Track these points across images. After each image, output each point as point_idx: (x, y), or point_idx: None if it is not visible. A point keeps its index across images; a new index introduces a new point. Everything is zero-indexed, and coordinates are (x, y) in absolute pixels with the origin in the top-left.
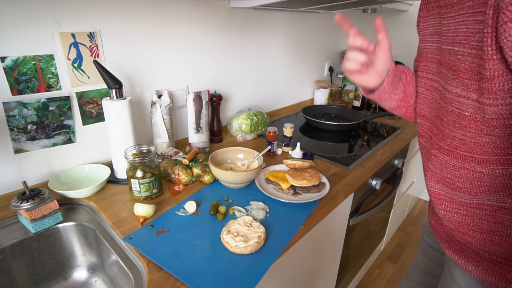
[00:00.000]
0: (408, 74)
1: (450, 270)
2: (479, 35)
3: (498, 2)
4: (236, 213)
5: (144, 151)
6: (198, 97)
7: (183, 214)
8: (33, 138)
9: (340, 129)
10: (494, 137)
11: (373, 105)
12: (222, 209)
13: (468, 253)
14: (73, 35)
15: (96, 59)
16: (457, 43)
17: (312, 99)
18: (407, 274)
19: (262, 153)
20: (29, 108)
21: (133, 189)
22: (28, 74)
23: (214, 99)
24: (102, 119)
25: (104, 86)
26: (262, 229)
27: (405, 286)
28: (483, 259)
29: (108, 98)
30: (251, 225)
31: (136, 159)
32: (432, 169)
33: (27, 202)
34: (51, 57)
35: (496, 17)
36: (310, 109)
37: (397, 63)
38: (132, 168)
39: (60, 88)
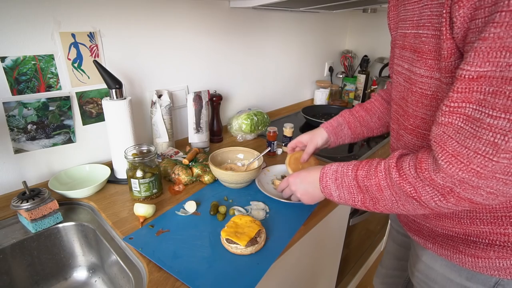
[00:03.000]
0: (344, 115)
1: (415, 249)
2: (441, 17)
3: None
4: (236, 213)
5: (144, 151)
6: (198, 97)
7: (183, 214)
8: (33, 138)
9: None
10: None
11: None
12: (222, 209)
13: (425, 231)
14: (73, 35)
15: (96, 59)
16: (421, 26)
17: (312, 99)
18: (381, 262)
19: (263, 154)
20: (29, 108)
21: (133, 189)
22: (28, 74)
23: (214, 99)
24: (102, 119)
25: (104, 86)
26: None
27: (380, 273)
28: (438, 235)
29: (108, 98)
30: None
31: (136, 159)
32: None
33: (27, 202)
34: (51, 57)
35: None
36: (310, 109)
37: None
38: (132, 168)
39: (60, 88)
